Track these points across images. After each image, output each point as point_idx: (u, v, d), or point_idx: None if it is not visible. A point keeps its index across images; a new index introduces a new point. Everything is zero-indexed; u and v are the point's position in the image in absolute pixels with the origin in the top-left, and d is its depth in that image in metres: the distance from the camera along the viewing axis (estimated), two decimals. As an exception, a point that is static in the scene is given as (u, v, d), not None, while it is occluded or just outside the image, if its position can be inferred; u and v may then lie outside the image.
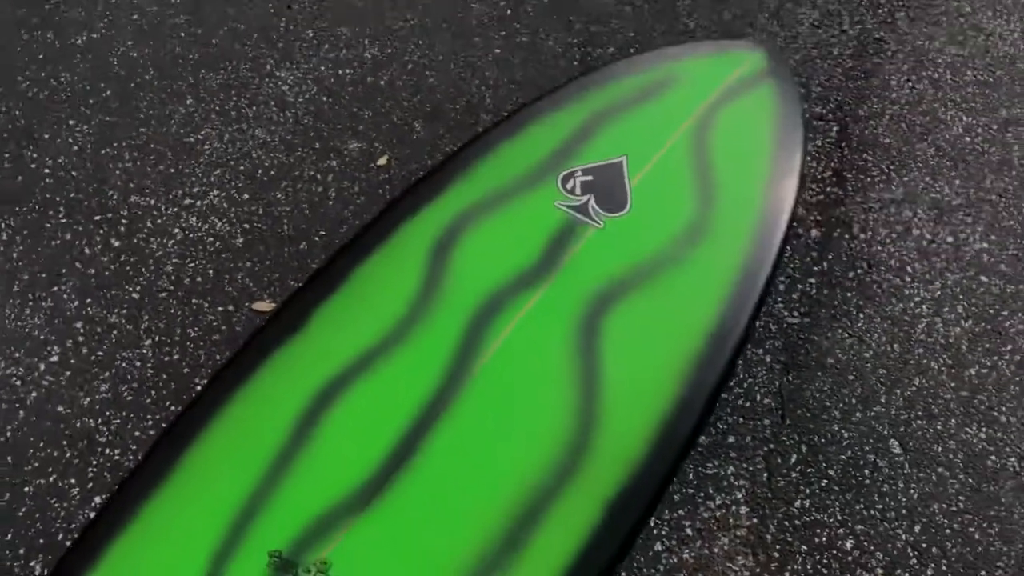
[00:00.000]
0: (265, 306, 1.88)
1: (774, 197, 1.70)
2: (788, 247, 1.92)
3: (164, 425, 1.69)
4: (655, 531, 1.63)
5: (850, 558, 1.60)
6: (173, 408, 1.74)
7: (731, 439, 1.73)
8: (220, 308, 1.88)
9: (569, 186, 1.73)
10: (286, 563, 1.35)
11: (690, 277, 1.61)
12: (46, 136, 2.18)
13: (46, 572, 1.55)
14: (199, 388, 1.69)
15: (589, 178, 1.74)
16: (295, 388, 1.51)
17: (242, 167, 2.10)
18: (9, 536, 1.60)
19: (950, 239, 1.94)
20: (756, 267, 1.61)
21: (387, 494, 1.40)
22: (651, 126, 1.83)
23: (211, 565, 1.35)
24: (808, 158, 2.06)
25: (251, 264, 1.94)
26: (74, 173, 2.11)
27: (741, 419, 1.74)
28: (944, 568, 1.58)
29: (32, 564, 1.56)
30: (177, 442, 1.46)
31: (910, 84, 2.18)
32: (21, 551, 1.58)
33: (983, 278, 1.89)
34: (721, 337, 1.53)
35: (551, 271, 1.61)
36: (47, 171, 2.11)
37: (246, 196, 2.05)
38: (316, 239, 1.94)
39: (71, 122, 2.21)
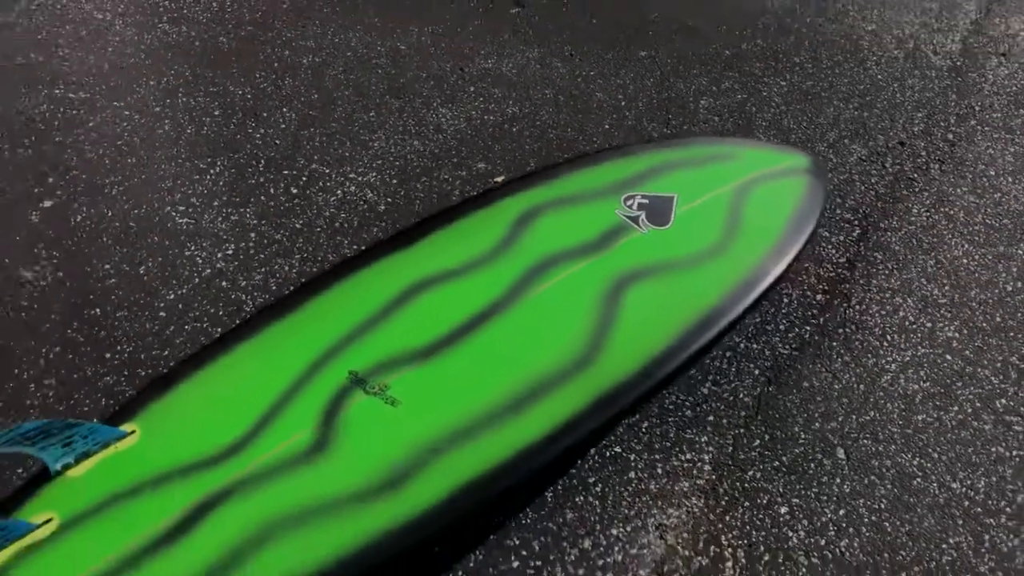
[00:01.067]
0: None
1: (776, 250, 2.17)
2: (794, 300, 2.36)
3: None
4: (633, 463, 2.04)
5: (781, 519, 1.96)
6: None
7: (711, 417, 2.14)
8: (355, 247, 2.47)
9: (629, 203, 2.26)
10: (359, 380, 1.85)
11: (700, 277, 2.08)
12: (264, 115, 2.89)
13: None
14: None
15: (645, 201, 2.27)
16: (394, 279, 2.04)
17: (397, 162, 2.73)
18: (165, 356, 2.16)
19: (928, 325, 2.34)
20: (749, 286, 2.07)
21: (439, 358, 1.90)
22: (704, 180, 2.35)
23: (305, 372, 1.86)
24: (829, 245, 2.52)
25: (386, 223, 2.53)
26: (277, 142, 2.79)
27: (723, 407, 2.16)
28: (855, 544, 1.92)
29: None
30: (305, 291, 2.02)
31: (928, 214, 2.63)
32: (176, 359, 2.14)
33: (948, 357, 2.27)
34: (707, 321, 1.98)
35: (598, 251, 2.12)
36: (258, 137, 2.80)
37: (395, 181, 2.67)
38: (437, 213, 2.53)
39: (284, 110, 2.92)
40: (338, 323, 1.94)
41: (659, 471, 2.00)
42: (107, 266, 2.37)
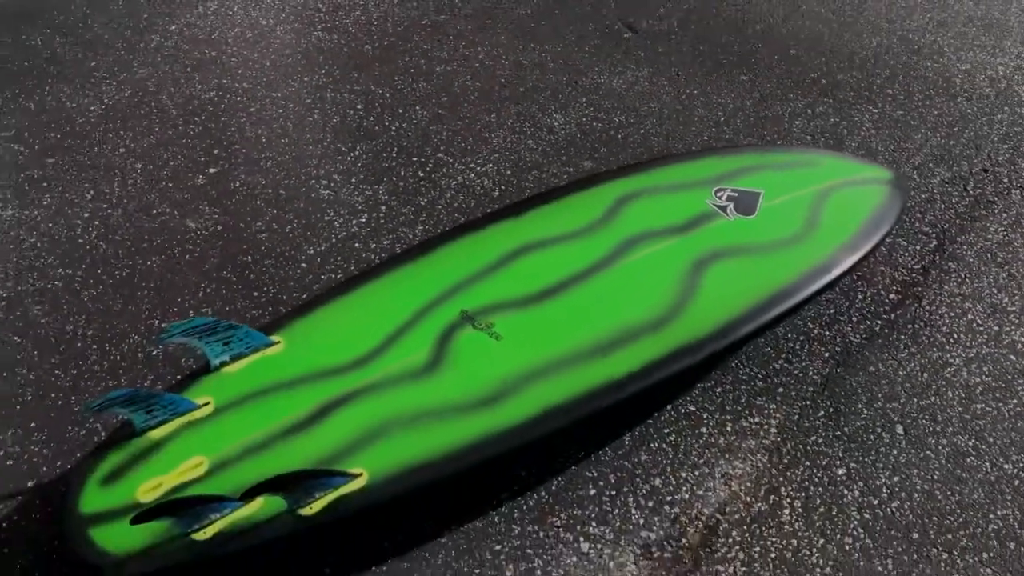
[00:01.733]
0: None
1: (849, 245, 2.35)
2: (868, 296, 2.53)
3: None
4: (705, 420, 2.24)
5: (838, 479, 2.13)
6: None
7: (780, 389, 2.33)
8: (470, 223, 2.76)
9: (719, 195, 2.49)
10: (468, 317, 2.12)
11: (776, 260, 2.28)
12: (400, 111, 3.24)
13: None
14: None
15: (734, 194, 2.49)
16: (504, 241, 2.31)
17: (512, 157, 3.03)
18: (303, 298, 2.49)
19: (995, 328, 2.48)
20: (819, 272, 2.26)
21: (538, 305, 2.15)
22: (790, 181, 2.55)
23: (424, 307, 2.14)
24: (906, 252, 2.69)
25: (498, 206, 2.82)
26: (409, 134, 3.13)
27: (793, 382, 2.35)
28: (906, 507, 2.07)
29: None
30: (429, 245, 2.31)
31: (1004, 232, 2.77)
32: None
33: (1012, 357, 2.40)
34: (778, 297, 2.17)
35: (687, 231, 2.35)
36: (394, 129, 3.15)
37: (508, 172, 2.97)
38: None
39: (417, 108, 3.27)
40: (455, 271, 2.22)
41: (728, 429, 2.19)
42: (259, 223, 2.73)
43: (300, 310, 2.14)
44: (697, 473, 2.08)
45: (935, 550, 1.94)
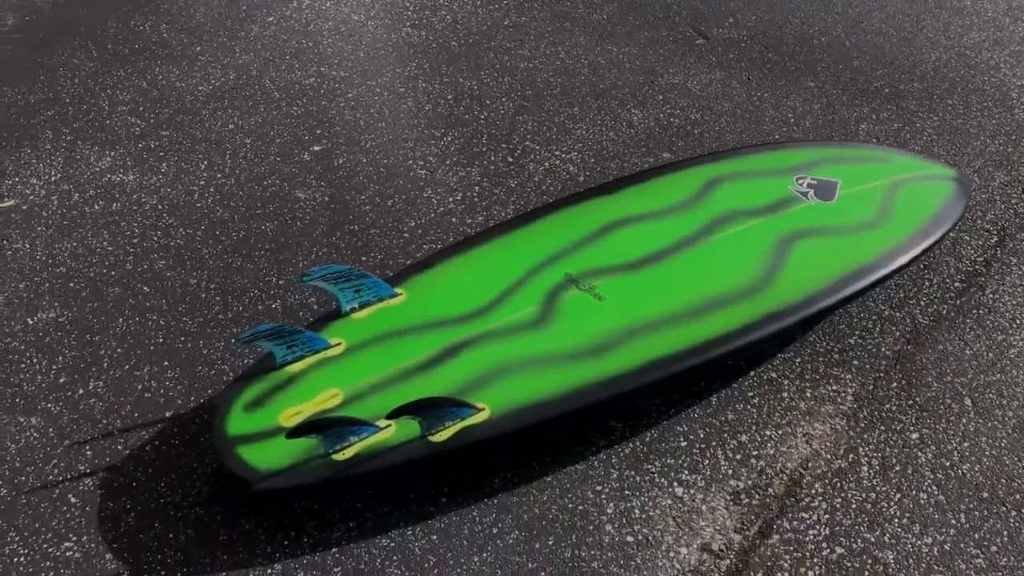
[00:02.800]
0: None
1: (921, 232, 2.51)
2: (935, 283, 2.69)
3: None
4: (786, 386, 2.40)
5: (912, 443, 2.28)
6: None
7: (855, 362, 2.48)
8: (559, 204, 2.95)
9: (800, 182, 2.66)
10: (572, 280, 2.30)
11: (857, 241, 2.45)
12: (487, 102, 3.44)
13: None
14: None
15: (814, 182, 2.66)
16: (600, 215, 2.49)
17: (595, 147, 3.22)
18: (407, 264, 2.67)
19: (1057, 316, 2.63)
20: (896, 253, 2.42)
21: (636, 272, 2.32)
22: (865, 173, 2.72)
23: (531, 269, 2.32)
24: (969, 246, 2.85)
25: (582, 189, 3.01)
26: (497, 123, 3.33)
27: (867, 356, 2.50)
28: (976, 469, 2.22)
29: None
30: (531, 216, 2.49)
31: (1063, 231, 2.93)
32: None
33: (1073, 343, 2.55)
34: (860, 272, 2.33)
35: (772, 212, 2.52)
36: (482, 119, 3.35)
37: (592, 160, 3.16)
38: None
39: (503, 100, 3.47)
40: (557, 239, 2.40)
41: (808, 395, 2.35)
42: (362, 197, 2.92)
43: (419, 266, 2.32)
44: (780, 432, 2.24)
45: (1004, 508, 2.08)
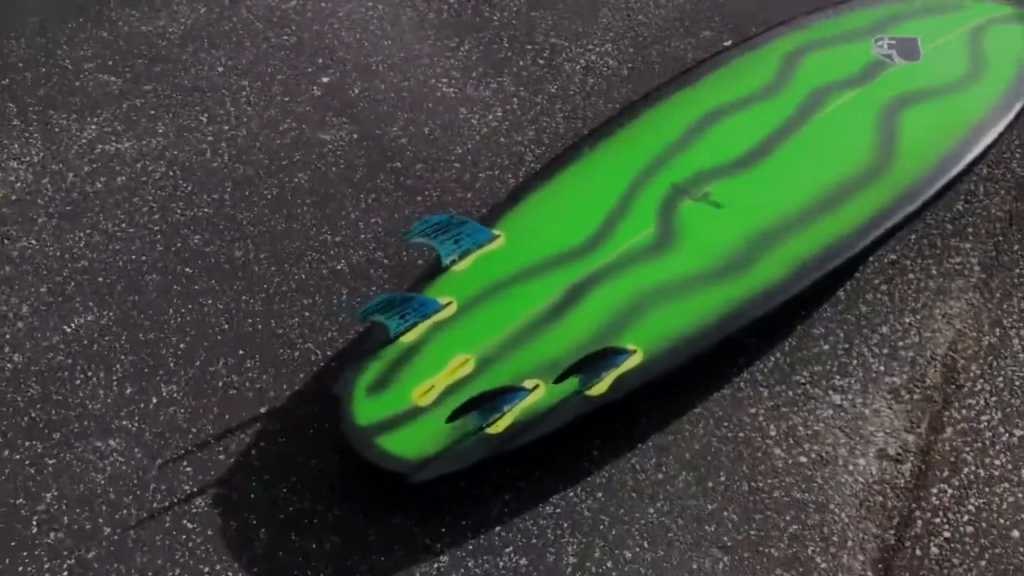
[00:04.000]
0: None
1: (1021, 79, 2.35)
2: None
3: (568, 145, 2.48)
4: (910, 267, 2.25)
5: (1053, 306, 2.17)
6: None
7: (970, 229, 2.34)
8: (610, 105, 2.70)
9: (879, 44, 2.44)
10: (681, 189, 2.08)
11: (964, 98, 2.28)
12: (495, 1, 3.12)
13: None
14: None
15: (893, 42, 2.45)
16: (690, 110, 2.26)
17: (628, 34, 2.93)
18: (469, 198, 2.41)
19: None
20: (1008, 101, 2.26)
21: (747, 168, 2.12)
22: (940, 24, 2.51)
23: (631, 186, 2.09)
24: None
25: (632, 85, 2.75)
26: (513, 22, 3.00)
27: (979, 220, 2.35)
28: (1125, 323, 2.12)
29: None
30: (612, 124, 2.24)
31: None
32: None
33: None
34: (980, 128, 2.18)
35: (866, 81, 2.31)
36: (495, 20, 3.01)
37: (631, 50, 2.88)
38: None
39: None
40: (649, 147, 2.17)
41: (934, 272, 2.21)
42: (394, 129, 2.62)
43: (508, 202, 2.09)
44: (919, 316, 2.11)
45: None
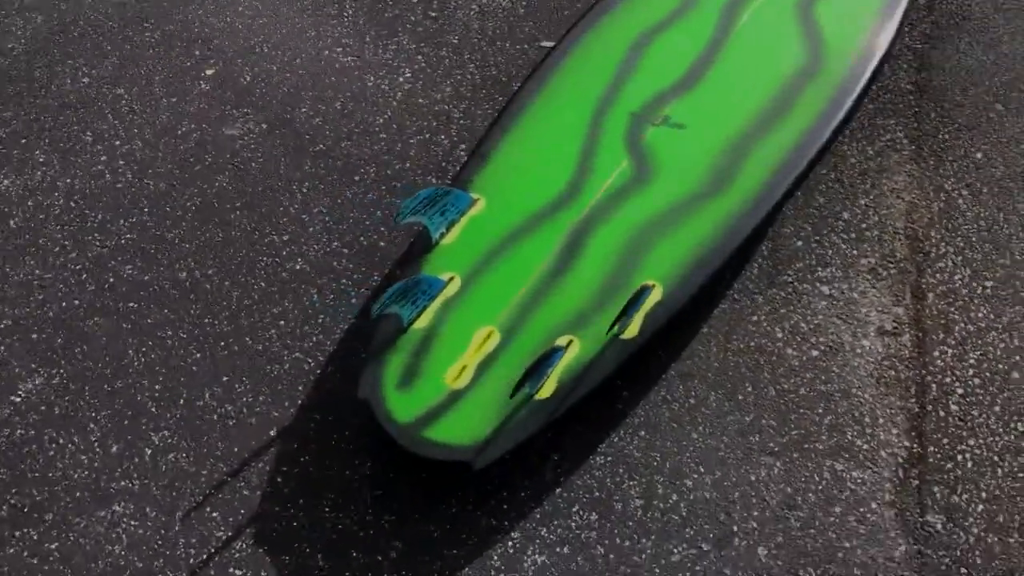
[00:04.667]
0: (550, 43, 2.64)
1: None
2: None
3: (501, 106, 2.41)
4: (848, 152, 2.36)
5: (980, 162, 2.33)
6: (500, 98, 2.47)
7: (889, 105, 2.47)
8: (517, 48, 2.64)
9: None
10: (640, 117, 2.08)
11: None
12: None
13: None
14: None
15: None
16: (620, 36, 2.24)
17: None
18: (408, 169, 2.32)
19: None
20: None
21: (696, 86, 2.12)
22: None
23: (592, 123, 2.06)
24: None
25: (534, 23, 2.70)
26: (388, -22, 2.88)
27: (894, 95, 2.48)
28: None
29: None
30: (552, 63, 2.19)
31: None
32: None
33: (1044, 21, 2.67)
34: (886, 14, 2.27)
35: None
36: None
37: (518, -13, 2.84)
38: None
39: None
40: (597, 79, 2.14)
41: (871, 152, 2.33)
42: (303, 110, 2.47)
43: (476, 162, 2.02)
44: (871, 196, 2.22)
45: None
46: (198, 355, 1.96)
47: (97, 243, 2.16)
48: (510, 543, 1.70)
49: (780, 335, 1.99)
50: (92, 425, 1.86)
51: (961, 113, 2.38)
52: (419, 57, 2.57)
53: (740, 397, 1.90)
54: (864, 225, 2.17)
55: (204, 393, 1.90)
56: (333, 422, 1.86)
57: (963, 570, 1.66)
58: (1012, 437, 1.81)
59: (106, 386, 1.92)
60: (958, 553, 1.68)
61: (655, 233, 1.86)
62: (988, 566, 1.66)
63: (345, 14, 2.70)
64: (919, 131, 2.35)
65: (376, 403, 1.67)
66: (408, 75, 2.53)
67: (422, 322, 1.77)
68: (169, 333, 2.00)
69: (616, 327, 1.69)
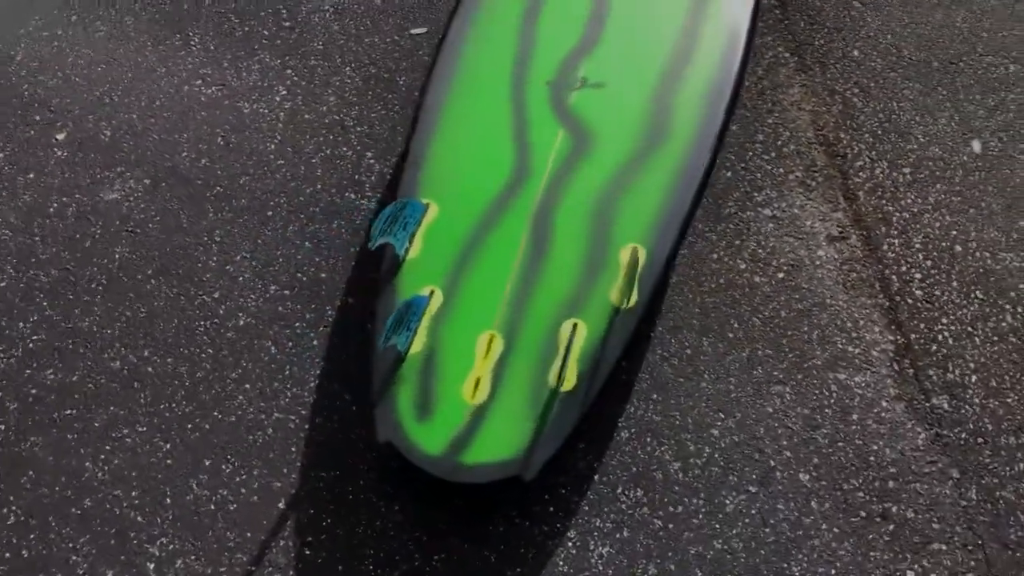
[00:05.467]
0: (421, 30, 2.53)
1: None
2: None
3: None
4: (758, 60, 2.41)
5: (857, 58, 2.44)
6: (389, 96, 2.35)
7: (760, 24, 2.54)
8: (385, 44, 2.52)
9: None
10: (558, 84, 2.03)
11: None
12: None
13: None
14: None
15: None
16: (509, 8, 2.18)
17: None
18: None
19: None
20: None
21: (601, 42, 2.09)
22: None
23: (514, 100, 2.00)
24: None
25: (398, 10, 2.59)
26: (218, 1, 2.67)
27: (761, 14, 2.56)
28: (908, 44, 2.46)
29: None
30: (449, 48, 2.09)
31: None
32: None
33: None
34: None
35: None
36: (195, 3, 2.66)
37: (365, -22, 2.70)
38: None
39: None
40: (501, 56, 2.08)
41: (760, 72, 2.40)
42: (184, 153, 2.27)
43: (409, 170, 1.92)
44: (776, 114, 2.32)
45: (946, 64, 2.36)
46: (167, 446, 1.77)
47: (1, 356, 1.89)
48: (570, 544, 1.65)
49: (743, 266, 2.02)
50: (74, 557, 1.65)
51: (826, 17, 2.48)
52: (288, 71, 2.40)
53: (730, 335, 1.92)
54: (779, 142, 2.23)
55: (190, 484, 1.72)
56: (343, 475, 1.73)
57: (979, 440, 1.76)
58: (976, 306, 1.93)
59: (73, 509, 1.70)
60: (970, 425, 1.77)
61: (616, 197, 1.82)
62: (999, 429, 1.76)
63: (192, 43, 2.47)
64: (795, 42, 2.43)
65: (401, 442, 1.56)
66: (284, 93, 2.35)
67: (417, 345, 1.67)
68: (124, 431, 1.79)
69: (625, 301, 1.64)
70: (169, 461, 1.75)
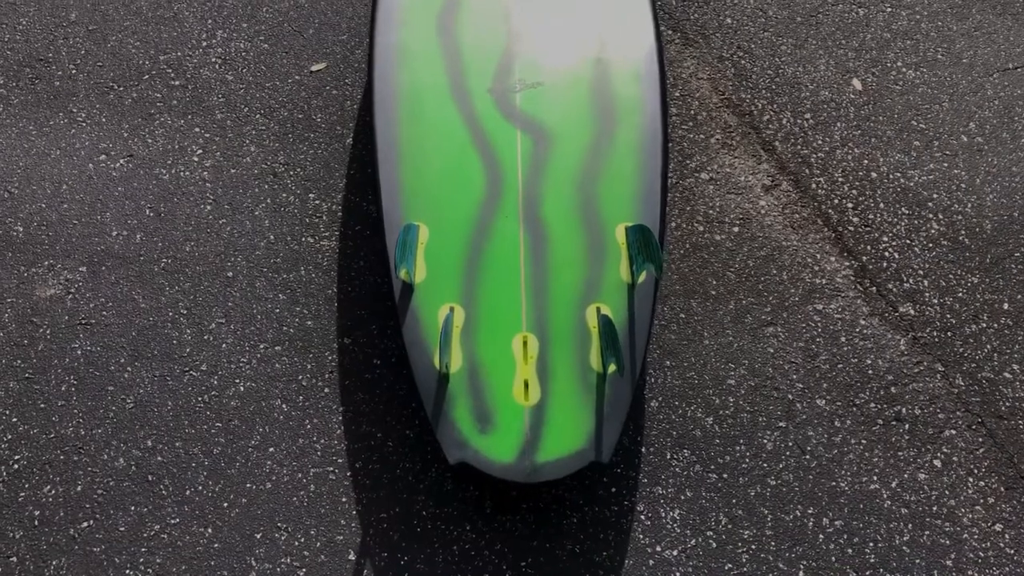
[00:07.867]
0: (320, 65, 2.51)
1: None
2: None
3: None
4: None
5: (731, 28, 2.65)
6: (311, 135, 2.32)
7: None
8: (304, 74, 2.47)
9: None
10: (500, 90, 2.08)
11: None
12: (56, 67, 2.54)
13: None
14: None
15: None
16: (423, 19, 2.20)
17: (240, 18, 2.66)
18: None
19: None
20: None
21: (527, 44, 2.16)
22: None
23: (465, 116, 2.03)
24: None
25: (285, 55, 2.54)
26: (97, 64, 2.52)
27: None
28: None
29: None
30: (381, 72, 2.09)
31: None
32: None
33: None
34: None
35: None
36: (68, 68, 2.50)
37: (244, 24, 2.63)
38: None
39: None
40: (434, 75, 2.10)
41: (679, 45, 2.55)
42: (114, 233, 2.15)
43: (386, 199, 1.92)
44: (680, 88, 2.46)
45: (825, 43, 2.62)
46: (208, 531, 1.68)
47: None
48: (642, 517, 1.71)
49: (702, 228, 2.15)
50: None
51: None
52: (197, 129, 2.31)
53: (713, 292, 2.04)
54: (692, 112, 2.39)
55: (249, 562, 1.64)
56: (402, 511, 1.71)
57: (949, 333, 1.98)
58: (906, 220, 2.16)
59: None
60: (937, 323, 1.98)
61: (594, 181, 1.90)
62: (960, 320, 2.00)
63: (79, 119, 2.33)
64: (673, 19, 2.60)
65: (474, 458, 1.57)
66: (199, 152, 2.27)
67: (455, 364, 1.67)
68: (156, 528, 1.68)
69: (640, 276, 1.72)
70: (216, 545, 1.66)
